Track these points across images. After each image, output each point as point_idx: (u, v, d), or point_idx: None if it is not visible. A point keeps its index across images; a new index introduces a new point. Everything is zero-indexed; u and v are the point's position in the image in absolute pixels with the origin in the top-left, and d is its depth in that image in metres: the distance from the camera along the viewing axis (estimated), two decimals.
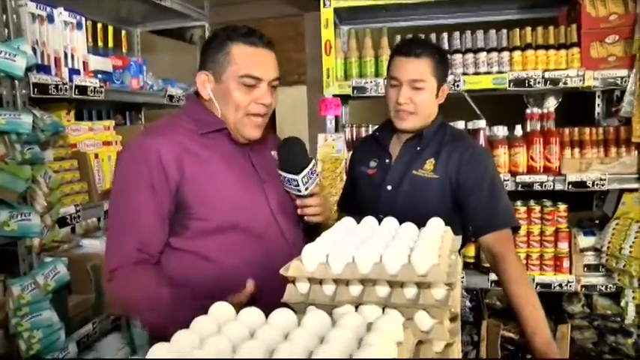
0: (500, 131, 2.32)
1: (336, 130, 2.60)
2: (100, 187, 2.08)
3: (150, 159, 1.23)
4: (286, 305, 0.92)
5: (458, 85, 2.31)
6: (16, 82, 1.69)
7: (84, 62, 2.07)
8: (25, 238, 1.65)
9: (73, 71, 1.99)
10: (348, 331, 0.74)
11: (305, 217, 1.37)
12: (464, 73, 2.36)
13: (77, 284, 1.97)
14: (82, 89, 1.98)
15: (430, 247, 0.99)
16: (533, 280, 2.33)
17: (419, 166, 1.59)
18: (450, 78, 2.27)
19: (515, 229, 1.56)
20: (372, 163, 1.71)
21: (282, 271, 1.02)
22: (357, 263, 0.98)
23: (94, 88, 2.04)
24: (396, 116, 1.56)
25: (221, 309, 0.83)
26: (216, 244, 1.28)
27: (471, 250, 2.44)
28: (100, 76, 2.15)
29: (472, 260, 2.44)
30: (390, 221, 1.21)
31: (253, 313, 0.82)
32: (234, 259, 1.13)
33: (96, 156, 2.09)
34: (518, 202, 2.37)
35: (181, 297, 1.19)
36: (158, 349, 0.69)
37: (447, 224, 1.21)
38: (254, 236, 1.27)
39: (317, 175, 1.35)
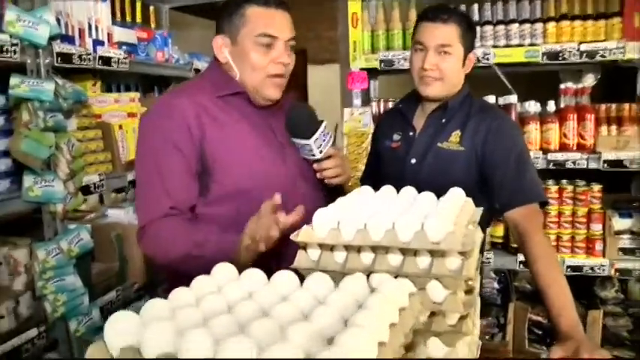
0: (532, 107, 2.22)
1: (367, 105, 2.55)
2: (124, 158, 2.10)
3: (174, 117, 1.23)
4: (297, 272, 0.89)
5: (488, 59, 2.22)
6: (40, 50, 1.71)
7: (108, 34, 2.07)
8: (49, 203, 1.69)
9: (97, 42, 2.00)
10: (349, 295, 0.71)
11: (325, 180, 1.36)
12: (494, 46, 2.25)
13: (101, 253, 2.01)
14: (106, 60, 1.99)
15: (446, 215, 0.95)
16: (564, 262, 2.24)
17: (444, 139, 1.53)
18: (480, 51, 2.18)
19: (544, 205, 1.49)
20: (396, 137, 1.66)
21: (292, 237, 0.99)
22: (368, 230, 0.95)
23: (119, 59, 2.05)
24: (421, 82, 1.50)
25: (224, 269, 0.81)
26: (235, 208, 1.27)
27: (499, 230, 2.36)
28: (124, 47, 2.16)
29: (500, 240, 2.37)
30: (409, 190, 1.16)
31: (255, 274, 0.80)
32: None
33: (120, 127, 2.10)
34: (550, 182, 2.28)
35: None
36: (153, 305, 0.68)
37: (472, 199, 1.15)
38: None
39: (330, 136, 1.33)
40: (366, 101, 2.60)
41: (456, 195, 1.12)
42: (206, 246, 1.17)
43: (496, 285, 2.49)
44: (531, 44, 2.22)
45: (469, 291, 0.98)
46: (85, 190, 1.85)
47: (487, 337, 2.38)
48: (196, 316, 0.65)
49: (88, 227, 1.82)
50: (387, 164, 1.68)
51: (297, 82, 3.48)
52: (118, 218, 2.18)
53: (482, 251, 1.19)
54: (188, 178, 1.25)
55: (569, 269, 2.24)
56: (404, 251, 0.94)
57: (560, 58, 2.15)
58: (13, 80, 1.60)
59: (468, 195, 1.16)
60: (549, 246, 1.41)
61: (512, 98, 2.19)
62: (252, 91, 1.31)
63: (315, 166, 1.34)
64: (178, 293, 0.72)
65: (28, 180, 1.63)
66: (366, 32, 2.45)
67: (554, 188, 2.24)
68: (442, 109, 1.55)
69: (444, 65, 1.46)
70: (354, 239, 0.95)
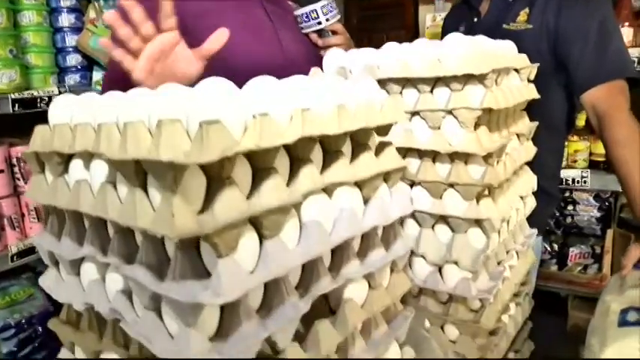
0: None
1: None
2: None
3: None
4: None
5: None
6: None
7: None
8: None
9: None
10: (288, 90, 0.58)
11: None
12: None
13: None
14: None
15: (469, 48, 0.79)
16: None
17: (510, 19, 1.31)
18: None
19: (634, 84, 1.22)
20: (462, 28, 1.47)
21: None
22: (378, 64, 0.83)
23: None
24: None
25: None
26: None
27: (601, 146, 2.03)
28: None
29: (602, 159, 2.05)
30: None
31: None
32: None
33: None
34: None
35: None
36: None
37: (547, 88, 1.02)
38: None
39: (338, 12, 1.21)
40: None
41: (503, 42, 0.95)
42: None
43: (595, 212, 2.19)
44: None
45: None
46: None
47: (579, 268, 2.12)
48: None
49: None
50: None
51: (406, 23, 3.22)
52: None
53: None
54: None
55: None
56: (418, 87, 0.81)
57: None
58: None
59: (540, 83, 0.99)
60: (635, 127, 1.16)
61: None
62: None
63: (320, 42, 1.21)
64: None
65: (96, 74, 1.72)
66: None
67: None
68: None
69: None
70: (362, 74, 0.84)
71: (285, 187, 0.46)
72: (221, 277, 0.40)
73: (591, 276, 2.07)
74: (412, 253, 0.86)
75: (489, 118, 0.78)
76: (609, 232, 2.01)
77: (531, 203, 1.03)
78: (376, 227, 0.58)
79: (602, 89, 1.18)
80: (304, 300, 0.49)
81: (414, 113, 0.81)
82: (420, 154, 0.82)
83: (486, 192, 0.81)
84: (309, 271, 0.52)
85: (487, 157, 0.76)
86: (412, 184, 0.84)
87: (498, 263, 0.91)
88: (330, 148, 0.54)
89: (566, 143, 2.00)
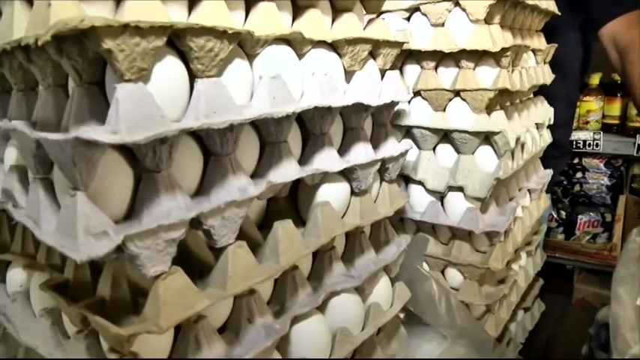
0: None
1: None
2: None
3: None
4: None
5: None
6: None
7: None
8: None
9: None
10: None
11: None
12: None
13: None
14: None
15: None
16: None
17: None
18: None
19: None
20: None
21: None
22: None
23: None
24: None
25: None
26: None
27: (615, 108, 1.90)
28: None
29: (616, 121, 1.91)
30: None
31: None
32: None
33: None
34: None
35: None
36: None
37: (563, 30, 0.98)
38: None
39: None
40: None
41: None
42: None
43: (606, 180, 2.05)
44: None
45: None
46: None
47: (588, 237, 1.99)
48: None
49: None
50: None
51: None
52: None
53: None
54: None
55: None
56: None
57: None
58: None
59: (555, 26, 0.90)
60: None
61: None
62: None
63: None
64: None
65: None
66: None
67: None
68: None
69: None
70: None
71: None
72: (120, 107, 0.27)
73: (600, 245, 1.94)
74: (409, 179, 0.73)
75: (503, 14, 0.64)
76: (621, 198, 1.88)
77: (547, 138, 0.89)
78: (361, 108, 0.45)
79: (623, 21, 1.04)
80: (254, 183, 0.36)
81: (414, 10, 0.68)
82: (419, 58, 0.68)
83: (498, 107, 0.68)
84: (268, 151, 0.39)
85: (500, 57, 0.63)
86: (410, 99, 0.70)
87: (510, 199, 0.78)
88: None
89: (578, 103, 1.87)
